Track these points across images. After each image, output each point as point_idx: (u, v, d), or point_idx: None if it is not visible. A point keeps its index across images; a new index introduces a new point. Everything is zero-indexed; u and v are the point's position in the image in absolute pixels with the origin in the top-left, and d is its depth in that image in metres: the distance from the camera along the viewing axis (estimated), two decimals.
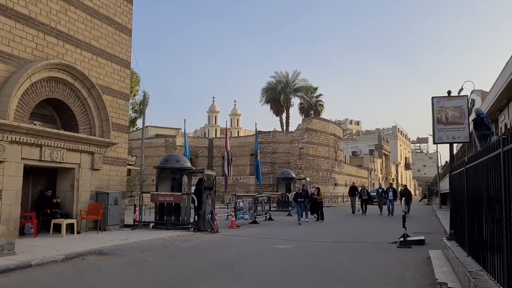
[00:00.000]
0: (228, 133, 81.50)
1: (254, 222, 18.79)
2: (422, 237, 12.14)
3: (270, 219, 20.74)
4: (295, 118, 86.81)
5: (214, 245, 11.84)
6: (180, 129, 72.27)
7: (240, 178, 46.26)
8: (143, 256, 9.69)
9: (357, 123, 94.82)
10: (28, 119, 11.61)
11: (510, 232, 4.20)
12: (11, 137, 10.76)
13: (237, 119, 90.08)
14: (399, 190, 26.70)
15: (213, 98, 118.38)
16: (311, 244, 12.15)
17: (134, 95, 53.52)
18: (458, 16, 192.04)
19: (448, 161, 36.60)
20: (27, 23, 11.46)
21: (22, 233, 11.74)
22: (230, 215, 17.94)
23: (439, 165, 43.28)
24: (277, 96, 54.33)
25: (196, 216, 14.68)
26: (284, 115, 55.72)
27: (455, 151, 32.67)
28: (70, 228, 12.49)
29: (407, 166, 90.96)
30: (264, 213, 20.61)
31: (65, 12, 12.67)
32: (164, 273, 7.80)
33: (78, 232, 12.58)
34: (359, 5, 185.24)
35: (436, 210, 30.15)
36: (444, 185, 34.47)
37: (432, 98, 9.80)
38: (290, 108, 56.11)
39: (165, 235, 13.02)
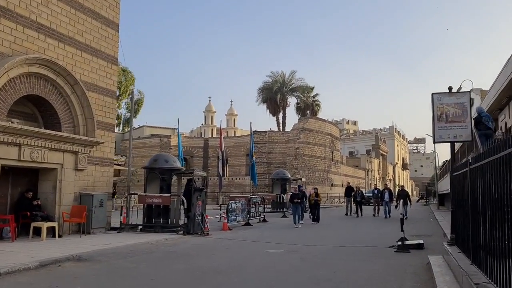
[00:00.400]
0: (224, 133, 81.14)
1: (247, 224, 18.21)
2: (421, 241, 11.59)
3: (264, 221, 20.17)
4: (292, 118, 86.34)
5: (202, 249, 11.26)
6: (176, 129, 71.66)
7: (236, 179, 45.70)
8: (124, 262, 9.08)
9: (354, 123, 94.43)
10: (6, 116, 10.98)
11: None
12: None
13: (234, 119, 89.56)
14: (397, 190, 25.82)
15: (209, 98, 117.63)
16: (305, 248, 11.58)
17: (129, 94, 52.93)
18: (456, 16, 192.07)
19: (446, 161, 36.14)
20: (4, 15, 10.83)
21: (0, 237, 11.16)
22: (223, 216, 17.36)
23: (437, 165, 42.79)
24: (273, 95, 53.84)
25: (185, 219, 14.08)
26: (280, 115, 55.26)
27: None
28: (52, 232, 11.88)
29: (404, 167, 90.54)
30: (258, 215, 20.04)
31: (47, 4, 12.05)
32: (142, 282, 7.21)
33: (59, 236, 11.96)
34: (356, 5, 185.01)
35: (434, 211, 29.65)
36: (442, 186, 34.01)
37: (432, 94, 9.24)
38: (287, 108, 55.72)
39: (152, 238, 12.42)
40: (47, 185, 12.57)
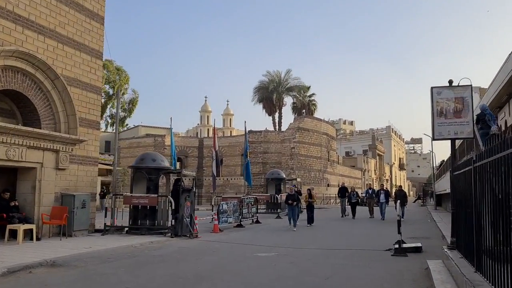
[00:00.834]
0: (221, 133, 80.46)
1: (240, 225, 17.62)
2: (419, 244, 11.02)
3: (257, 222, 19.58)
4: (288, 118, 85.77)
5: (189, 253, 10.65)
6: (172, 128, 70.91)
7: (231, 179, 45.13)
8: (102, 268, 8.46)
9: (351, 123, 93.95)
10: None
11: None
12: None
13: (230, 119, 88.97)
14: (394, 191, 24.86)
15: (205, 97, 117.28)
16: (297, 252, 10.99)
17: (123, 93, 52.21)
18: (453, 15, 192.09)
19: (443, 161, 35.60)
20: None
21: None
22: (214, 218, 16.75)
23: (434, 165, 42.29)
24: (269, 95, 53.21)
25: (173, 220, 13.47)
26: (276, 115, 54.62)
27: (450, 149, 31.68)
28: (30, 234, 11.24)
29: (401, 167, 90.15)
30: (250, 216, 19.44)
31: None
32: None
33: (38, 239, 11.32)
34: (352, 5, 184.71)
35: (432, 211, 29.11)
36: (440, 186, 33.48)
37: (432, 88, 8.66)
38: (283, 107, 55.09)
39: (136, 241, 11.80)
40: (25, 185, 11.93)
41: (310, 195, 18.62)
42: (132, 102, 53.21)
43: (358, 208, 23.13)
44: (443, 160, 35.96)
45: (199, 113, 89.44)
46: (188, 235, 13.59)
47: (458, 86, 8.54)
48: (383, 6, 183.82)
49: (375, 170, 68.51)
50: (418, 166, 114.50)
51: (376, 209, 22.26)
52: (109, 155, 25.29)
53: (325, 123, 45.13)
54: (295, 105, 55.40)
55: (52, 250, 9.86)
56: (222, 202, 17.05)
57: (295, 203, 17.10)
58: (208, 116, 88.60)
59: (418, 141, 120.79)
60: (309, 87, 55.76)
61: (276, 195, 25.83)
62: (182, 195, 13.56)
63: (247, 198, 19.57)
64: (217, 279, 7.54)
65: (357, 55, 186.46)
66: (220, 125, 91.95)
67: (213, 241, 12.95)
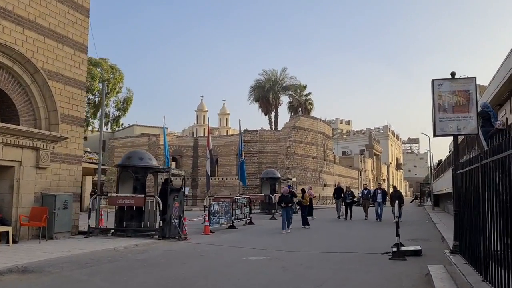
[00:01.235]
0: (217, 133, 79.71)
1: (232, 227, 17.01)
2: (418, 247, 10.43)
3: (251, 223, 18.96)
4: (284, 117, 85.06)
5: (175, 256, 10.04)
6: (167, 128, 70.30)
7: (227, 179, 44.52)
8: (78, 274, 7.83)
9: (348, 122, 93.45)
10: None
11: None
12: None
13: (226, 118, 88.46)
14: (391, 191, 23.83)
15: (202, 97, 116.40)
16: (289, 255, 10.39)
17: (118, 92, 51.52)
18: (450, 14, 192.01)
19: (441, 160, 35.07)
20: None
21: None
22: (205, 219, 16.11)
23: (432, 165, 41.78)
24: (265, 94, 52.56)
25: (161, 222, 12.85)
26: (273, 114, 53.98)
27: (447, 149, 31.02)
28: (7, 237, 10.58)
29: (398, 167, 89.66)
30: (244, 217, 18.83)
31: None
32: None
33: (15, 242, 10.65)
34: (348, 4, 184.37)
35: (429, 212, 28.59)
36: (437, 186, 32.93)
37: (433, 80, 8.07)
38: (279, 106, 54.43)
39: (120, 244, 11.17)
40: (2, 184, 11.27)
41: (303, 196, 18.02)
42: (127, 101, 52.47)
43: (354, 208, 22.48)
44: (441, 160, 35.45)
45: (195, 113, 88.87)
46: (176, 237, 12.98)
47: (461, 78, 7.96)
48: (379, 6, 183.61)
49: (372, 170, 68.01)
50: (415, 166, 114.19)
51: (371, 210, 21.49)
52: (96, 154, 24.50)
53: (321, 122, 44.53)
54: (291, 104, 54.82)
55: (27, 254, 9.22)
56: (213, 203, 16.42)
57: (290, 204, 16.47)
58: (204, 116, 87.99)
59: (415, 141, 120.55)
60: (306, 86, 55.17)
61: (271, 195, 25.20)
62: (171, 195, 12.95)
63: (239, 198, 18.95)
64: (201, 286, 6.94)
65: (354, 55, 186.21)
66: (217, 124, 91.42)
67: (202, 244, 12.34)
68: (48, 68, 11.99)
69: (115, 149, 52.02)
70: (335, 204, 23.58)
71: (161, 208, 12.72)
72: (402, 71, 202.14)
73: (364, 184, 37.44)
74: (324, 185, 43.33)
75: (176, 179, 14.01)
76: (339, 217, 22.03)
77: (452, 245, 7.81)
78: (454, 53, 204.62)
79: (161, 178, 14.79)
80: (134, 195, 12.90)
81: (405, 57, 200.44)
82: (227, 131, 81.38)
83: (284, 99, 54.95)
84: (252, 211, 24.50)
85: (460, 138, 21.52)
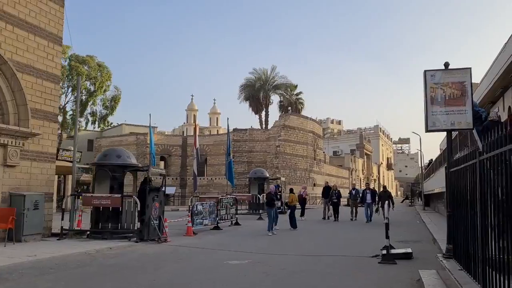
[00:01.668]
0: (207, 132, 78.80)
1: (217, 228, 16.35)
2: (409, 250, 9.87)
3: (237, 224, 18.32)
4: (275, 117, 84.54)
5: (151, 260, 9.36)
6: (156, 127, 69.57)
7: (216, 179, 43.84)
8: (39, 281, 7.14)
9: (339, 122, 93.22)
10: None
11: None
12: None
13: (217, 117, 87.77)
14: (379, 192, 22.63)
15: (192, 96, 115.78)
16: (274, 259, 9.77)
17: (105, 90, 50.57)
18: (439, 12, 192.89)
19: (432, 160, 34.69)
20: None
21: None
22: (188, 220, 15.43)
23: (422, 165, 41.43)
24: (256, 93, 51.92)
25: (139, 223, 12.17)
26: (263, 113, 53.35)
27: (437, 148, 30.55)
28: None
29: (389, 167, 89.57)
30: (229, 217, 18.17)
31: None
32: None
33: None
34: (339, 4, 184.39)
35: (420, 212, 28.15)
36: (428, 186, 32.57)
37: (425, 71, 7.50)
38: (270, 106, 53.82)
39: (93, 247, 10.46)
40: None
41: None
42: (115, 100, 51.56)
43: (343, 209, 21.87)
44: (432, 160, 35.09)
45: (186, 112, 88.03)
46: (156, 239, 12.31)
47: (455, 69, 7.39)
48: (370, 6, 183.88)
49: (362, 170, 67.69)
50: (406, 166, 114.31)
51: (361, 211, 20.71)
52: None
53: (311, 121, 43.98)
54: (282, 103, 54.24)
55: None
56: (196, 203, 15.72)
57: (278, 203, 15.88)
58: (194, 115, 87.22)
59: (406, 141, 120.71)
60: (296, 85, 54.63)
61: (258, 195, 24.53)
62: (150, 195, 12.26)
63: (225, 198, 18.29)
64: None
65: (344, 55, 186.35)
66: (207, 124, 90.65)
67: (182, 246, 11.68)
68: (18, 60, 11.24)
69: (102, 148, 51.04)
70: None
71: (139, 208, 12.03)
72: (393, 71, 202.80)
73: (352, 183, 36.85)
74: (314, 184, 42.80)
75: (156, 178, 13.29)
76: (324, 218, 21.11)
77: (445, 249, 7.24)
78: (445, 52, 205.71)
79: (144, 177, 14.05)
80: (110, 195, 12.19)
81: (396, 57, 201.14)
82: (217, 130, 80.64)
83: (275, 98, 54.44)
84: (240, 212, 23.90)
85: (453, 135, 21.09)
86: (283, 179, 30.70)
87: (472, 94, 7.35)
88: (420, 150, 41.47)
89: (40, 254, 9.21)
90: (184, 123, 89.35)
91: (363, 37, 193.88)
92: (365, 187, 21.37)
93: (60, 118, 48.17)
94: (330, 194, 20.96)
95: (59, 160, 18.03)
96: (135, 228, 12.40)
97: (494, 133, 4.36)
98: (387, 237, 9.44)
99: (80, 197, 13.66)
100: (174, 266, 8.80)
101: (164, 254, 10.26)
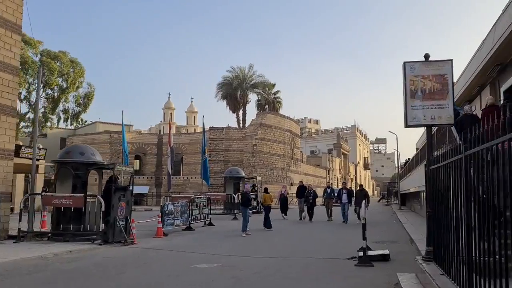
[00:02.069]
0: (184, 131, 77.67)
1: (189, 228, 15.72)
2: (387, 251, 9.46)
3: (210, 224, 17.71)
4: (253, 115, 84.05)
5: (113, 265, 8.68)
6: (132, 125, 68.16)
7: (192, 178, 43.05)
8: None
9: (316, 122, 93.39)
10: None
11: None
12: None
13: (194, 116, 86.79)
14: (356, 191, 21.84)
15: (169, 94, 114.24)
16: (245, 262, 9.23)
17: (78, 87, 49.10)
18: (415, 17, 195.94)
19: (409, 159, 34.75)
20: None
21: None
22: (159, 220, 14.73)
23: (399, 164, 41.59)
24: (233, 91, 51.29)
25: (103, 225, 11.43)
26: (241, 112, 52.77)
27: (414, 147, 30.54)
28: None
29: (366, 166, 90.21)
30: (203, 218, 17.55)
31: None
32: None
33: None
34: (317, 7, 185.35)
35: (397, 211, 28.09)
36: (404, 185, 32.58)
37: (404, 63, 7.08)
38: (247, 104, 53.26)
39: (51, 251, 9.71)
40: None
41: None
42: (88, 97, 50.06)
43: (319, 208, 21.36)
44: (408, 159, 35.16)
45: (162, 110, 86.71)
46: (122, 242, 11.60)
47: (436, 61, 6.99)
48: (348, 9, 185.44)
49: (340, 169, 67.86)
50: (382, 166, 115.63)
51: (337, 211, 20.14)
52: (40, 149, 22.38)
53: (288, 120, 43.62)
54: (259, 102, 53.76)
55: None
56: (167, 203, 15.05)
57: (254, 203, 15.38)
58: (171, 113, 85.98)
59: (383, 141, 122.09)
60: (274, 84, 54.23)
61: (233, 195, 23.93)
62: (115, 195, 11.55)
63: (198, 198, 17.64)
64: None
65: (321, 55, 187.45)
66: (184, 122, 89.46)
67: (150, 249, 11.02)
68: None
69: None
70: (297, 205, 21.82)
71: (103, 209, 11.31)
72: (369, 72, 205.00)
73: (327, 182, 36.58)
74: (291, 184, 42.45)
75: (123, 177, 12.55)
76: (301, 218, 20.47)
77: (424, 251, 6.82)
78: (421, 52, 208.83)
79: (109, 176, 13.29)
80: (72, 194, 11.42)
81: (372, 58, 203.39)
82: (194, 129, 79.68)
83: (253, 97, 53.94)
84: (215, 212, 23.28)
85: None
86: (259, 178, 30.19)
87: (453, 88, 6.96)
88: (397, 150, 41.63)
89: None
90: (161, 121, 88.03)
91: (338, 36, 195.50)
92: (342, 187, 20.69)
93: (31, 115, 46.66)
94: (305, 194, 20.27)
95: (22, 157, 17.05)
96: (100, 229, 11.66)
97: (476, 128, 3.92)
98: (364, 238, 9.01)
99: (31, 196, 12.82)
100: (136, 271, 8.15)
101: (128, 258, 9.60)
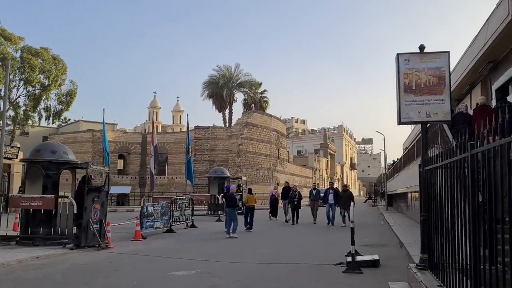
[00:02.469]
0: (170, 130, 76.71)
1: (170, 231, 15.05)
2: (376, 256, 8.94)
3: (193, 226, 17.05)
4: (239, 115, 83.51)
5: (82, 273, 7.99)
6: (116, 124, 66.98)
7: (176, 178, 42.26)
8: None
9: (303, 122, 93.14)
10: None
11: None
12: None
13: (180, 115, 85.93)
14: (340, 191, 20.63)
15: (155, 93, 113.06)
16: (227, 268, 8.62)
17: (60, 84, 47.96)
18: (403, 15, 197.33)
19: (395, 160, 34.50)
20: None
21: None
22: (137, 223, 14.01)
23: (386, 164, 41.35)
24: (219, 90, 50.57)
25: (75, 228, 10.69)
26: (227, 111, 52.07)
27: (401, 148, 30.25)
28: None
29: (352, 166, 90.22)
30: (185, 219, 16.88)
31: None
32: None
33: None
34: (303, 4, 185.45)
35: (384, 212, 27.70)
36: (392, 186, 32.27)
37: (398, 55, 6.53)
38: (234, 104, 52.57)
39: (15, 257, 8.95)
40: None
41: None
42: (70, 94, 48.87)
43: (304, 209, 20.62)
44: (395, 160, 34.91)
45: (148, 109, 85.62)
46: (96, 246, 10.90)
47: (432, 52, 6.46)
48: (334, 10, 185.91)
49: (326, 169, 67.61)
50: (369, 166, 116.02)
51: (322, 212, 19.07)
52: (12, 147, 21.47)
53: (275, 119, 43.06)
54: (246, 101, 53.14)
55: None
56: (146, 204, 14.34)
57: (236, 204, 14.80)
58: (157, 113, 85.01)
59: (369, 141, 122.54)
60: (261, 83, 53.62)
61: (217, 195, 23.24)
62: (89, 196, 10.83)
63: (179, 198, 16.96)
64: None
65: (308, 55, 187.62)
66: (170, 122, 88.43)
67: (125, 254, 10.33)
68: None
69: None
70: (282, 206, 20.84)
71: (76, 211, 10.58)
72: (356, 73, 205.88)
73: (313, 183, 36.03)
74: (278, 184, 41.93)
75: (94, 177, 11.79)
76: (287, 221, 19.59)
77: (419, 259, 6.28)
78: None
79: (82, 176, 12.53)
80: (42, 195, 10.66)
81: (359, 58, 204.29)
82: (180, 128, 78.74)
83: (239, 96, 53.32)
84: (199, 213, 22.61)
85: (419, 128, 20.26)
86: (244, 178, 29.57)
87: (450, 82, 6.44)
88: (384, 150, 41.39)
89: None
90: (146, 120, 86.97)
91: (325, 36, 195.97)
92: (328, 186, 19.72)
93: (11, 113, 45.35)
94: (290, 196, 19.37)
95: None
96: (73, 233, 10.92)
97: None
98: (353, 243, 8.48)
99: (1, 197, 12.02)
100: (104, 280, 7.45)
101: (99, 264, 8.90)
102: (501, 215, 3.31)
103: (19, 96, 45.15)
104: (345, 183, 38.76)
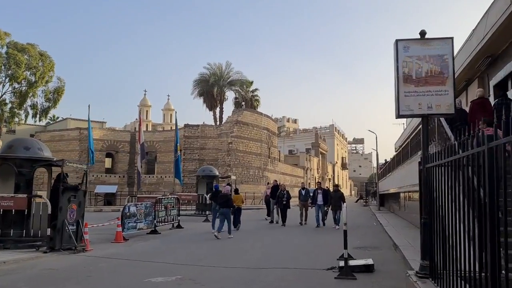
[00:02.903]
0: (160, 128, 75.86)
1: (154, 232, 14.37)
2: (370, 261, 8.35)
3: (179, 227, 16.38)
4: (230, 113, 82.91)
5: (50, 281, 7.28)
6: (105, 122, 65.93)
7: (165, 177, 41.43)
8: None
9: (295, 121, 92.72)
10: None
11: None
12: None
13: (171, 114, 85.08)
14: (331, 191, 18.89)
15: (145, 91, 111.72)
16: (210, 273, 7.98)
17: (48, 81, 47.00)
18: (394, 15, 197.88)
19: (387, 160, 34.10)
20: None
21: None
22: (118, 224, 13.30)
23: (378, 163, 40.92)
24: (210, 88, 49.83)
25: (50, 229, 9.98)
26: (218, 110, 51.36)
27: (392, 148, 29.76)
28: None
29: (344, 166, 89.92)
30: (171, 219, 16.21)
31: None
32: None
33: None
34: (294, 4, 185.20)
35: (376, 213, 27.20)
36: (384, 186, 31.82)
37: (396, 41, 5.95)
38: (225, 102, 51.94)
39: None
40: None
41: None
42: (58, 91, 47.85)
43: (293, 209, 19.80)
44: (387, 160, 34.52)
45: (138, 108, 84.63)
46: (72, 249, 10.20)
47: (434, 38, 5.87)
48: (326, 9, 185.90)
49: (317, 169, 67.15)
50: (360, 166, 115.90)
51: (311, 214, 18.22)
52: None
53: (266, 118, 42.43)
54: (237, 100, 52.53)
55: None
56: (128, 204, 13.64)
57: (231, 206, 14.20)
58: (147, 111, 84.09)
59: (360, 141, 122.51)
60: (252, 82, 53.02)
61: (205, 195, 22.54)
62: (64, 195, 10.12)
63: (165, 198, 16.28)
64: None
65: (299, 54, 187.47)
66: (161, 120, 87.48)
67: (103, 257, 9.64)
68: None
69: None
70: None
71: (50, 211, 9.87)
72: (347, 73, 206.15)
73: (302, 183, 35.28)
74: (268, 183, 41.35)
75: (68, 176, 10.86)
76: (271, 221, 18.72)
77: (419, 266, 5.70)
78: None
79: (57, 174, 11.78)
80: (13, 195, 9.94)
81: (350, 59, 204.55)
82: (171, 127, 77.78)
83: (230, 95, 52.70)
84: (187, 213, 21.93)
85: (413, 125, 19.60)
86: (234, 177, 28.93)
87: (454, 71, 5.86)
88: (376, 149, 40.97)
89: None
90: (136, 119, 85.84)
91: (316, 36, 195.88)
92: (316, 187, 18.58)
93: None
94: (277, 195, 18.43)
95: None
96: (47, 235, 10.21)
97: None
98: (346, 247, 7.89)
99: None
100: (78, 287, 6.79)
101: (72, 269, 8.21)
102: None
103: (4, 93, 44.18)
104: (337, 183, 38.07)
